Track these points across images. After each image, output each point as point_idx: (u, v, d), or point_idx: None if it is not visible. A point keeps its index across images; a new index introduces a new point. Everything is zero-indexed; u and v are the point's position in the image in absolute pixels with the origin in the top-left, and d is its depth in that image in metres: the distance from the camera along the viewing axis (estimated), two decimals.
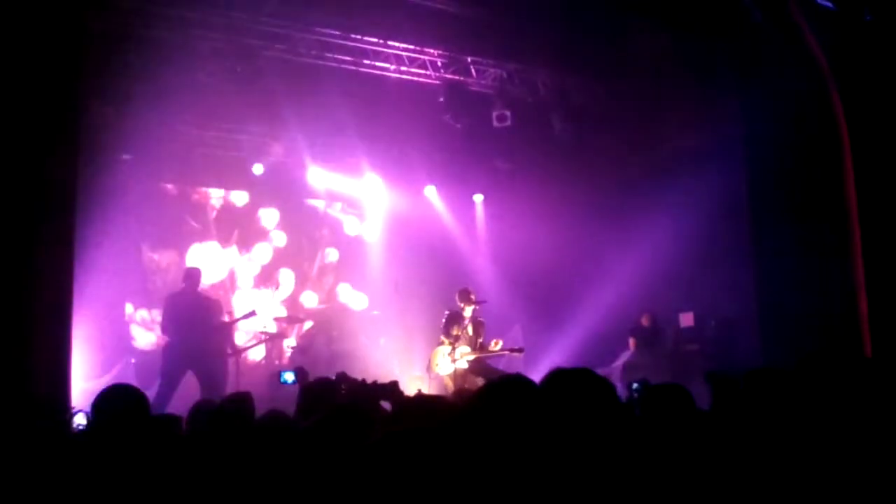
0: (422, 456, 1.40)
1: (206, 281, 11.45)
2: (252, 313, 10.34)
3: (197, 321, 9.31)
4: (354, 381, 4.01)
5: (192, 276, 9.78)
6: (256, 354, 11.71)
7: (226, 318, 10.30)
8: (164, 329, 9.60)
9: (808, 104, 8.01)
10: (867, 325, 7.38)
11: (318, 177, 12.96)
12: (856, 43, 7.45)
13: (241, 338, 10.56)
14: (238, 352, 10.06)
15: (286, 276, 13.16)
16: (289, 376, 4.52)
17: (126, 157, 11.53)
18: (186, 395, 9.02)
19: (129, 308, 11.80)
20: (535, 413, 2.08)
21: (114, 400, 3.30)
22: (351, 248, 13.72)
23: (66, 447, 3.28)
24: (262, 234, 13.17)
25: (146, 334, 11.87)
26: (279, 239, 13.25)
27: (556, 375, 2.38)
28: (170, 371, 9.07)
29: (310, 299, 13.25)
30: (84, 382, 8.97)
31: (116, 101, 10.11)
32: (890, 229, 7.36)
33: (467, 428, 1.95)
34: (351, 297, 13.50)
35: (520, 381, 2.18)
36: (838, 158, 7.76)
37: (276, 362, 11.89)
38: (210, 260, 12.35)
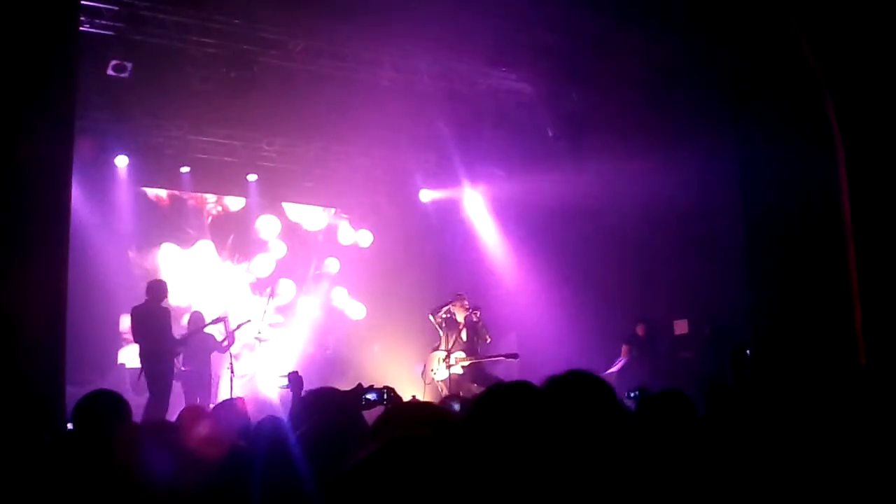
0: (418, 466, 1.39)
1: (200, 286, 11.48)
2: (247, 322, 10.20)
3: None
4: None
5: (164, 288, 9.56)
6: (250, 360, 11.68)
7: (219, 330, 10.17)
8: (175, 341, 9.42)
9: (803, 115, 8.03)
10: (861, 334, 7.39)
11: (314, 182, 12.96)
12: (851, 53, 7.47)
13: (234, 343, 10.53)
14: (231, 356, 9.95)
15: (284, 283, 13.13)
16: (282, 380, 4.50)
17: (120, 162, 11.53)
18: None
19: (124, 321, 11.72)
20: (537, 419, 2.07)
21: (94, 406, 3.24)
22: (346, 254, 13.71)
23: (50, 453, 3.24)
24: (259, 242, 13.16)
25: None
26: (275, 246, 13.23)
27: (563, 378, 2.40)
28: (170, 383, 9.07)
29: (306, 305, 13.22)
30: (77, 388, 8.92)
31: (112, 106, 10.11)
32: (885, 238, 7.38)
33: (465, 436, 1.94)
34: (347, 303, 13.47)
35: (522, 387, 2.17)
36: (833, 169, 7.78)
37: (271, 368, 11.85)
38: (181, 261, 12.27)
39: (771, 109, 8.31)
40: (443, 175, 13.07)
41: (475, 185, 13.16)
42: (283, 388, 4.47)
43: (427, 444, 1.39)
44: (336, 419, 3.38)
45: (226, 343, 9.86)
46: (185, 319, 10.85)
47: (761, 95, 8.39)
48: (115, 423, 3.18)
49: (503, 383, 2.22)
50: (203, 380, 9.80)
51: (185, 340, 9.48)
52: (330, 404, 3.86)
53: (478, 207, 13.59)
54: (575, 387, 2.44)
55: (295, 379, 4.46)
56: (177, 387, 9.95)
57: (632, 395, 6.24)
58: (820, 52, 7.69)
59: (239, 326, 9.90)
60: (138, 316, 9.10)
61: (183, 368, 9.78)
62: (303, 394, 4.19)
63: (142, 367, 8.93)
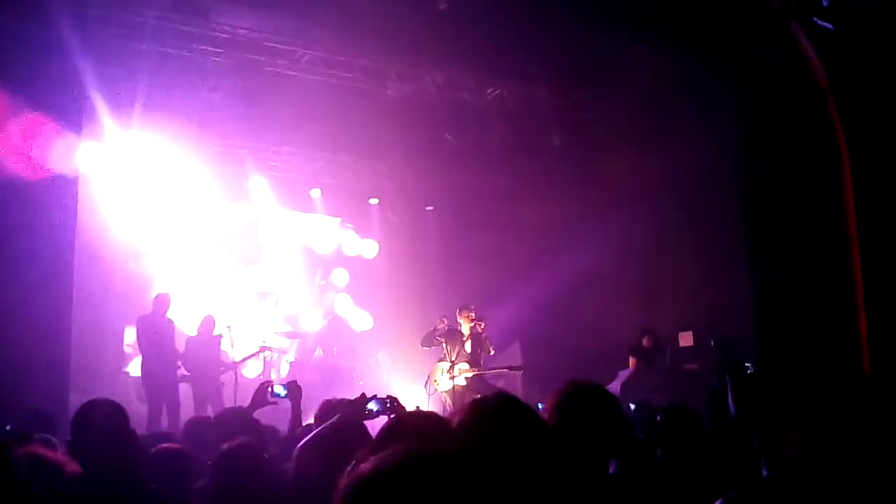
0: (416, 478, 1.39)
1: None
2: (265, 349, 10.62)
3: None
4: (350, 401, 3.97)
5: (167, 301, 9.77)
6: (254, 369, 11.67)
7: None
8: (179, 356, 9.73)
9: (805, 121, 8.03)
10: (866, 344, 7.36)
11: (318, 193, 12.97)
12: (853, 58, 7.47)
13: (239, 352, 10.54)
14: (236, 364, 10.06)
15: (289, 292, 13.12)
16: (280, 390, 4.47)
17: (127, 169, 11.55)
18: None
19: (129, 331, 11.71)
20: (539, 430, 2.06)
21: (93, 414, 3.20)
22: (352, 264, 13.71)
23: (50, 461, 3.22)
24: (264, 251, 13.16)
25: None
26: (280, 254, 13.23)
27: (570, 387, 2.39)
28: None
29: (310, 314, 13.21)
30: (81, 396, 8.94)
31: (121, 114, 10.14)
32: (889, 247, 7.35)
33: (464, 447, 1.93)
34: (351, 312, 13.45)
35: (509, 399, 2.15)
36: (837, 176, 7.77)
37: (275, 377, 11.83)
38: (187, 268, 12.30)
39: (773, 116, 8.31)
40: (447, 184, 13.06)
41: (480, 195, 13.13)
42: (282, 397, 4.45)
43: (426, 458, 1.39)
44: (338, 428, 3.38)
45: (232, 356, 10.04)
46: (195, 327, 10.81)
47: (763, 102, 8.39)
48: (112, 432, 3.12)
49: (502, 394, 2.20)
50: (208, 385, 9.83)
51: (187, 354, 9.71)
52: (333, 414, 3.85)
53: (482, 217, 13.56)
54: (580, 399, 2.43)
55: (294, 388, 4.44)
56: (185, 392, 9.97)
57: (635, 407, 6.22)
58: (822, 57, 7.69)
59: (257, 353, 10.47)
60: (143, 327, 9.35)
61: (187, 373, 9.86)
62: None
63: (143, 379, 9.22)
